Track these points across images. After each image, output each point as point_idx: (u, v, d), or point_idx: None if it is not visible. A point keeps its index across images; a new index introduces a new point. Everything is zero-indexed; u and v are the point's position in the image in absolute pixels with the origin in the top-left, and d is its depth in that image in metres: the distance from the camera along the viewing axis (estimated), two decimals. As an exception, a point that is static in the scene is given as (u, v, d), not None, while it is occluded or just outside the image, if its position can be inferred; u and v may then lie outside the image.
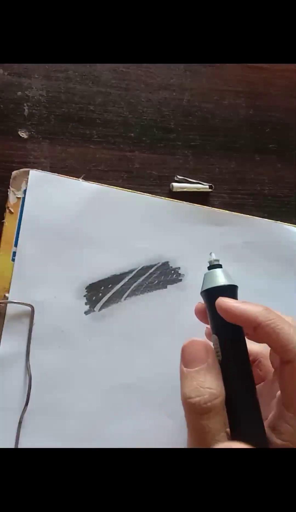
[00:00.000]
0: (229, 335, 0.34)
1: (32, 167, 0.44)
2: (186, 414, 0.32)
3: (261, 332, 0.32)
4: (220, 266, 0.36)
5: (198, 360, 0.32)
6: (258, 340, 0.34)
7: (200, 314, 0.38)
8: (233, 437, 0.31)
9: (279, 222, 0.49)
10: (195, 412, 0.31)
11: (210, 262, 0.36)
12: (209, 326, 0.36)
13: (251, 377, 0.33)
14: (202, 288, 0.36)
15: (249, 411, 0.32)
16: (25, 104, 0.46)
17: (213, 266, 0.36)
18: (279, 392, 0.33)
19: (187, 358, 0.33)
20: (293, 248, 0.48)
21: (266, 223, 0.48)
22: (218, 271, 0.36)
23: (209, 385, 0.31)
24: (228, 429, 0.32)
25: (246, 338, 0.35)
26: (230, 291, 0.35)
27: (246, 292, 0.39)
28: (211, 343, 0.34)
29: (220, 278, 0.35)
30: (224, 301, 0.34)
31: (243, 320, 0.33)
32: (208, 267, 0.36)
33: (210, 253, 0.37)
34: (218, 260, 0.36)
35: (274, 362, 0.36)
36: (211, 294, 0.35)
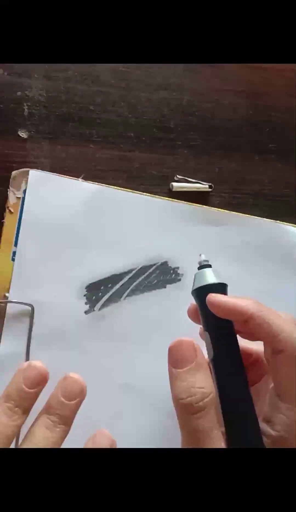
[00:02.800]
0: (220, 331, 0.35)
1: (32, 167, 0.44)
2: (178, 415, 0.32)
3: (253, 323, 0.32)
4: (209, 266, 0.37)
5: (186, 360, 0.32)
6: (250, 334, 0.35)
7: (192, 314, 0.38)
8: (227, 433, 0.32)
9: (278, 222, 0.49)
10: (187, 412, 0.31)
11: (199, 262, 0.37)
12: (202, 327, 0.36)
13: (243, 372, 0.34)
14: (192, 287, 0.36)
15: (243, 406, 0.33)
16: (25, 104, 0.46)
17: (202, 266, 0.37)
18: (272, 384, 0.33)
19: (175, 359, 0.33)
20: (293, 248, 0.48)
21: (265, 223, 0.48)
22: (207, 270, 0.36)
23: (199, 384, 0.31)
24: (223, 429, 0.32)
25: (241, 337, 0.35)
26: (220, 288, 0.35)
27: (245, 292, 0.38)
28: (198, 343, 0.34)
29: (210, 277, 0.36)
30: (214, 297, 0.34)
31: (234, 313, 0.33)
32: (198, 267, 0.37)
33: (200, 254, 0.37)
34: (207, 261, 0.37)
35: (267, 354, 0.36)
36: (201, 292, 0.35)
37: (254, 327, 0.33)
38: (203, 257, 0.37)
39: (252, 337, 0.35)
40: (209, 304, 0.34)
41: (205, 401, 0.31)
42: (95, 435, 0.35)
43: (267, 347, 0.34)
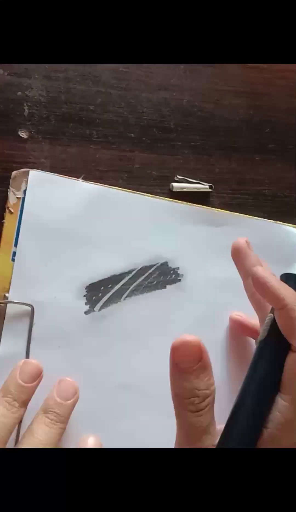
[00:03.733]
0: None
1: (32, 167, 0.44)
2: (177, 412, 0.32)
3: (283, 314, 0.32)
4: None
5: (191, 361, 0.31)
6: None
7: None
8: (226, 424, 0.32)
9: (278, 222, 0.49)
10: (187, 410, 0.31)
11: None
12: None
13: (282, 368, 0.33)
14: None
15: (263, 399, 0.32)
16: (25, 104, 0.46)
17: None
18: None
19: (179, 358, 0.31)
20: (293, 249, 0.48)
21: (265, 223, 0.48)
22: None
23: (203, 386, 0.31)
24: (221, 426, 0.32)
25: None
26: None
27: (245, 293, 0.39)
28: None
29: None
30: (263, 271, 0.33)
31: (271, 296, 0.32)
32: None
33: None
34: None
35: None
36: (287, 278, 0.35)
37: (281, 317, 0.32)
38: None
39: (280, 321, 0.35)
40: (253, 275, 0.33)
41: (206, 401, 0.31)
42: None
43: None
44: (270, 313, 0.35)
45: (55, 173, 0.45)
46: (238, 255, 0.39)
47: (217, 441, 0.31)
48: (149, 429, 0.42)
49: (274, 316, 0.33)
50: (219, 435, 0.31)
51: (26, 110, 0.46)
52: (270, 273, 0.34)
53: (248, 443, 0.31)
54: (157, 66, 0.49)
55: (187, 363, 0.31)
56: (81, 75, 0.47)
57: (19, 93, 0.46)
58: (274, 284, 0.32)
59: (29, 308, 0.42)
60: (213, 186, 0.48)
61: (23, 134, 0.46)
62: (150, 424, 0.43)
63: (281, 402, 0.31)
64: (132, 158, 0.48)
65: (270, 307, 0.36)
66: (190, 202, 0.47)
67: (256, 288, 0.34)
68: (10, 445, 0.40)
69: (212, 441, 0.31)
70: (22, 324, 0.42)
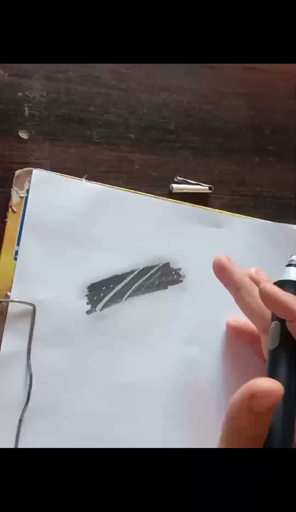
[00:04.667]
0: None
1: (32, 168, 0.44)
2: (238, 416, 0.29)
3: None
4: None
5: (270, 407, 0.28)
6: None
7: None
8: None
9: (278, 223, 0.49)
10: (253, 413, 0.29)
11: (289, 261, 0.39)
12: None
13: None
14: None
15: (289, 404, 0.32)
16: (25, 105, 0.46)
17: (290, 264, 0.39)
18: None
19: (257, 404, 0.28)
20: (293, 250, 0.48)
21: (265, 224, 0.49)
22: (292, 268, 0.39)
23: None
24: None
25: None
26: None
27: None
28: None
29: (291, 274, 0.38)
30: (270, 287, 0.35)
31: (281, 308, 0.34)
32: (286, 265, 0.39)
33: (291, 255, 0.40)
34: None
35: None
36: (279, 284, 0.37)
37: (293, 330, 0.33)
38: (294, 257, 0.39)
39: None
40: (262, 291, 0.35)
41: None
42: None
43: None
44: (273, 320, 0.35)
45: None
46: (223, 272, 0.40)
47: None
48: (149, 429, 0.42)
49: (281, 324, 0.35)
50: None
51: (26, 110, 0.46)
52: (276, 287, 0.36)
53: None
54: (157, 68, 0.49)
55: (263, 409, 0.28)
56: (81, 76, 0.48)
57: (20, 93, 0.46)
58: (285, 298, 0.34)
59: (30, 307, 0.42)
60: (212, 187, 0.48)
61: (23, 135, 0.46)
62: (150, 424, 0.42)
63: None
64: (132, 159, 0.48)
65: (268, 315, 0.37)
66: (189, 203, 0.47)
67: (266, 303, 0.36)
68: (10, 445, 0.40)
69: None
70: (24, 323, 0.42)
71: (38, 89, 0.46)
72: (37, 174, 0.44)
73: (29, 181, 0.44)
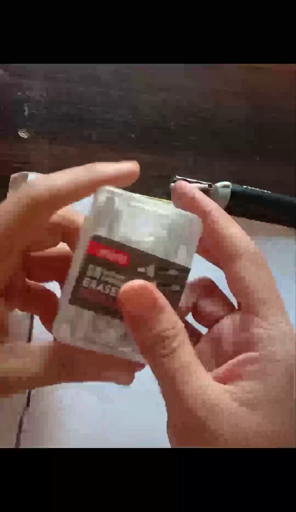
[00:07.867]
0: None
1: (32, 168, 0.44)
2: (151, 364, 0.30)
3: (211, 224, 0.30)
4: None
5: (147, 307, 0.28)
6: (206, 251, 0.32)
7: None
8: None
9: (279, 224, 0.49)
10: (161, 356, 0.29)
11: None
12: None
13: None
14: None
15: None
16: (25, 105, 0.46)
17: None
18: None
19: (133, 308, 0.28)
20: (293, 251, 0.48)
21: (265, 225, 0.48)
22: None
23: (167, 326, 0.28)
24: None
25: None
26: None
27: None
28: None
29: None
30: (185, 184, 0.31)
31: (197, 204, 0.30)
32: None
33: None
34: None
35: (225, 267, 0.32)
36: None
37: (211, 228, 0.30)
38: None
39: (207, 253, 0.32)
40: (177, 188, 0.31)
41: (177, 339, 0.28)
42: None
43: (224, 258, 0.31)
44: None
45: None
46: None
47: (209, 378, 0.29)
48: (149, 429, 0.42)
49: None
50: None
51: (26, 110, 0.46)
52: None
53: None
54: (157, 68, 0.49)
55: (143, 311, 0.28)
56: (81, 76, 0.48)
57: (20, 93, 0.46)
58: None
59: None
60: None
61: (23, 134, 0.46)
62: (150, 424, 0.42)
63: (262, 323, 0.28)
64: (133, 159, 0.48)
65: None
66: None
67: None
68: (10, 445, 0.40)
69: (200, 379, 0.28)
70: (23, 325, 0.42)
71: (38, 89, 0.46)
72: (33, 177, 0.44)
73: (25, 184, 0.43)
